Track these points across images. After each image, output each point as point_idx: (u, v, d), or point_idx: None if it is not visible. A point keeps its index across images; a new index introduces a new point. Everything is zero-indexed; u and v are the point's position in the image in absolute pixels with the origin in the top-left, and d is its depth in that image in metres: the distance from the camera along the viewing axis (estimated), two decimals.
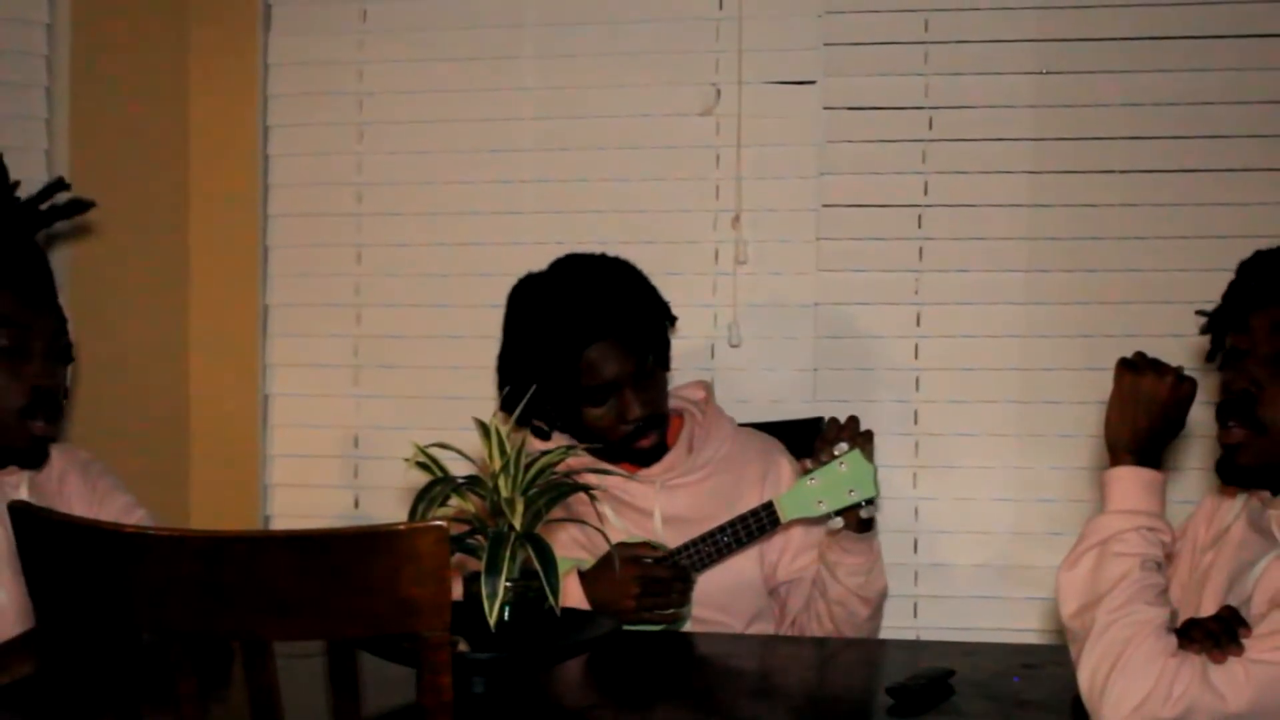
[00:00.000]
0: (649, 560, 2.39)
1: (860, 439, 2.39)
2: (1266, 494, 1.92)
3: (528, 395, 2.03)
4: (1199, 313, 1.99)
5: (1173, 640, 1.73)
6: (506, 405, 1.98)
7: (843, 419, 2.44)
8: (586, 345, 2.46)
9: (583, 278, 2.54)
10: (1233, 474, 1.92)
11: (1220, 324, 1.95)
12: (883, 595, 2.53)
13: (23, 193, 2.29)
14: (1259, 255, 1.94)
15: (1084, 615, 1.78)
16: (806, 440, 2.79)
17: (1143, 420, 1.84)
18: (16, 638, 2.10)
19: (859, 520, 2.42)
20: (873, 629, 2.55)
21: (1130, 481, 1.83)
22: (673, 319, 2.62)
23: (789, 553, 2.57)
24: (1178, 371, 1.85)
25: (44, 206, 2.30)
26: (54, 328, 2.22)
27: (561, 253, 2.65)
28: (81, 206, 2.37)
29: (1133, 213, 3.03)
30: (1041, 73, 3.05)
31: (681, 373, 2.82)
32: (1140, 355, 1.88)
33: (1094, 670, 1.73)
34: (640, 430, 2.52)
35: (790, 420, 2.88)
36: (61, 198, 2.34)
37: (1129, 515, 1.81)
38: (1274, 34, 2.96)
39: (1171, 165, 3.02)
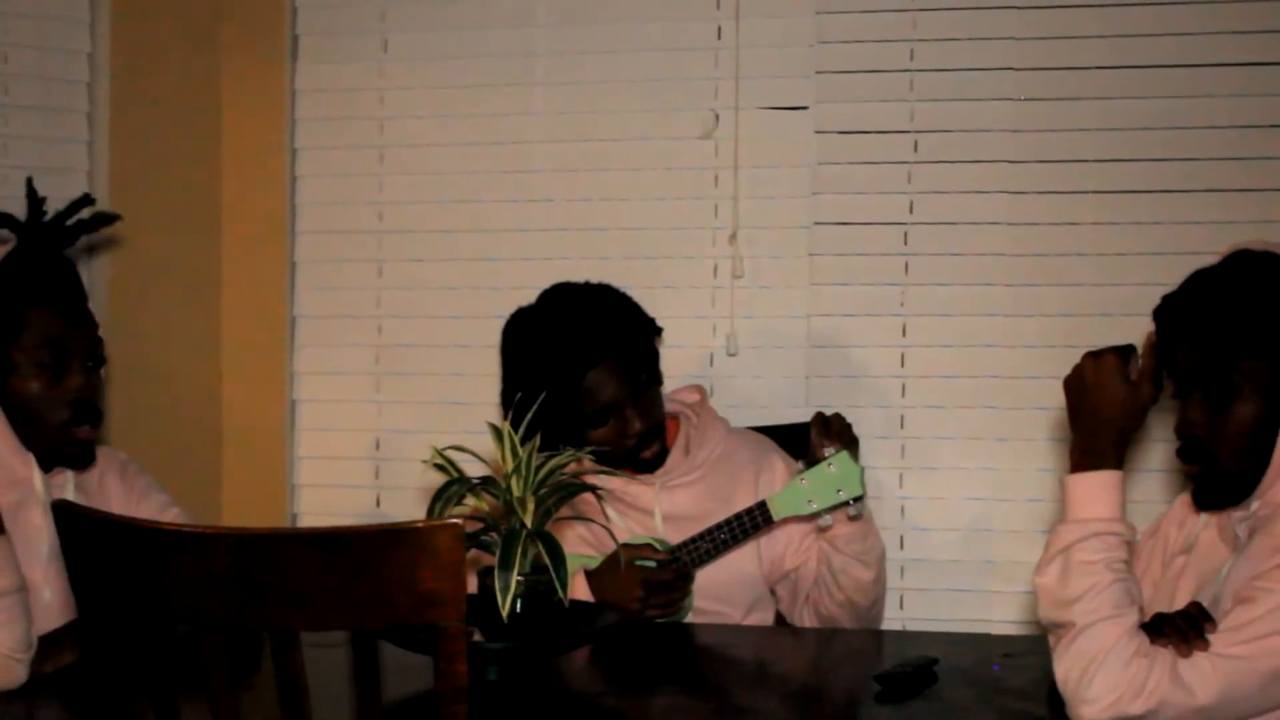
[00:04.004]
0: (652, 564, 2.38)
1: (845, 439, 2.38)
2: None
3: (530, 413, 2.02)
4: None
5: (1144, 640, 1.72)
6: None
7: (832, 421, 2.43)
8: (585, 371, 2.45)
9: (572, 307, 2.52)
10: (1209, 501, 1.90)
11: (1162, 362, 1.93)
12: (882, 557, 2.51)
13: (49, 209, 2.25)
14: (1164, 300, 1.92)
15: (1058, 613, 1.77)
16: (799, 443, 2.80)
17: (1099, 426, 1.82)
18: (60, 628, 2.10)
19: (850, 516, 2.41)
20: (879, 592, 2.52)
21: (1088, 487, 1.81)
22: (659, 331, 2.61)
23: (793, 542, 2.56)
24: (1132, 382, 1.83)
25: (70, 222, 2.26)
26: (91, 339, 2.20)
27: (569, 268, 2.65)
28: (106, 219, 2.32)
29: (1106, 230, 3.03)
30: (1019, 99, 3.06)
31: (681, 381, 2.82)
32: (1090, 360, 1.85)
33: (1068, 671, 1.73)
34: (642, 443, 2.52)
35: (783, 425, 2.88)
36: (86, 212, 2.29)
37: (1088, 523, 1.79)
38: (1241, 63, 2.96)
39: (1142, 186, 3.02)
